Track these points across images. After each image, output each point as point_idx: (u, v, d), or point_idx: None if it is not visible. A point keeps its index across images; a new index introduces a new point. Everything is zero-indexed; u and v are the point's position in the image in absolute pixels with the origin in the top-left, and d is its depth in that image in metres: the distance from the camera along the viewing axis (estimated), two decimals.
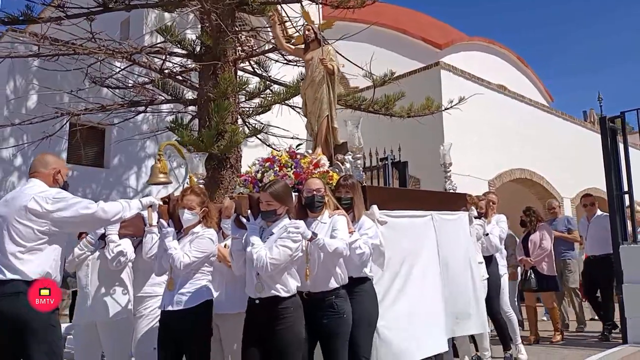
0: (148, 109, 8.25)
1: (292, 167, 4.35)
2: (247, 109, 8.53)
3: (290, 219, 3.18)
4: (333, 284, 3.24)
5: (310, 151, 4.76)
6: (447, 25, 20.83)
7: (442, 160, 5.30)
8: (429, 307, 4.08)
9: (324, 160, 4.45)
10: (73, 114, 7.14)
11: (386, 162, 7.69)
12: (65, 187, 3.23)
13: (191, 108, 8.32)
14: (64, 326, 4.45)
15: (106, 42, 6.47)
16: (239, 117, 7.59)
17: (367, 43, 13.02)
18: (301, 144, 6.02)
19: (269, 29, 8.14)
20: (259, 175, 4.48)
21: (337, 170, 4.44)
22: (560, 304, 7.56)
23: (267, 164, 4.49)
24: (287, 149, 4.64)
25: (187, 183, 4.32)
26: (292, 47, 5.26)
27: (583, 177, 13.25)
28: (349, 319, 3.25)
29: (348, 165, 4.45)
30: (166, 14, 9.75)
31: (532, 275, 6.40)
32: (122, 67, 7.63)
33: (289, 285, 3.07)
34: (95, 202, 3.17)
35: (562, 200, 12.89)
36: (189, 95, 8.06)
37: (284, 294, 3.03)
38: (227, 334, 3.60)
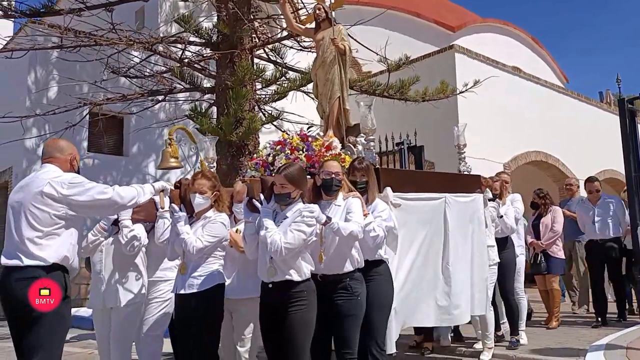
0: (166, 98, 8.35)
1: (304, 150, 4.32)
2: (263, 96, 8.62)
3: (304, 202, 3.14)
4: (348, 267, 3.21)
5: (321, 133, 4.70)
6: (460, 7, 20.65)
7: (456, 142, 5.21)
8: (435, 287, 4.11)
9: (336, 142, 4.41)
10: (95, 103, 7.30)
11: (402, 146, 7.77)
12: (78, 172, 3.20)
13: (207, 96, 8.44)
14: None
15: (127, 32, 6.55)
16: (255, 104, 7.68)
17: (380, 27, 12.94)
18: (311, 126, 6.00)
19: (282, 16, 8.19)
20: (270, 158, 4.45)
21: (349, 152, 4.39)
22: (571, 286, 7.61)
23: (279, 147, 4.45)
24: (299, 132, 4.59)
25: (198, 167, 4.24)
26: (302, 27, 5.13)
27: (599, 158, 13.18)
28: (363, 301, 3.21)
29: (360, 147, 4.39)
30: (180, 3, 9.86)
31: (543, 259, 6.33)
32: (143, 58, 7.74)
33: (303, 269, 3.05)
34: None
35: (579, 182, 12.85)
36: (206, 83, 8.16)
37: (297, 278, 3.01)
38: (239, 319, 3.62)
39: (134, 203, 3.20)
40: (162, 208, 3.59)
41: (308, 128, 5.25)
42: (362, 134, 4.35)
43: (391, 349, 3.60)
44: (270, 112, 8.84)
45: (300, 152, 4.30)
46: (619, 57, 71.76)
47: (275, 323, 3.03)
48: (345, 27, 7.56)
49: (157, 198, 3.56)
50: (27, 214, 2.87)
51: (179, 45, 7.35)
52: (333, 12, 4.75)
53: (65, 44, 6.73)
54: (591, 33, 76.43)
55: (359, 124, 4.53)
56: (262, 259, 3.09)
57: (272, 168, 4.36)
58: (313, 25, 4.88)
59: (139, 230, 3.81)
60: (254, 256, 3.21)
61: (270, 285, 3.05)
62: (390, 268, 3.59)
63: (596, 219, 6.54)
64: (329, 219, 3.08)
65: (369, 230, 3.21)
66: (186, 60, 7.31)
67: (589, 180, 7.00)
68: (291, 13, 5.15)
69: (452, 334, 5.70)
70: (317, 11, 4.71)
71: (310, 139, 4.41)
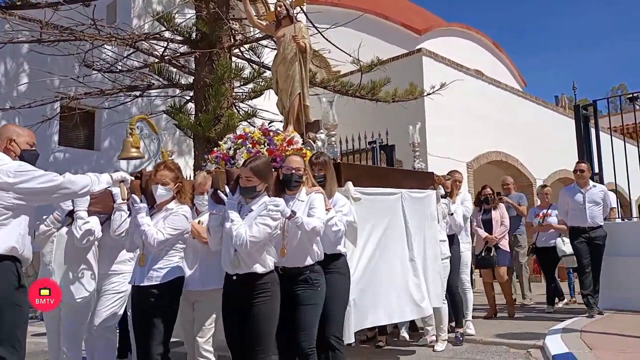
0: (143, 94, 8.39)
1: (266, 144, 4.31)
2: (240, 94, 8.78)
3: (269, 195, 3.15)
4: (309, 260, 3.24)
5: (280, 129, 4.72)
6: (425, 10, 21.23)
7: (411, 140, 5.37)
8: (394, 280, 4.18)
9: (298, 137, 4.43)
10: (73, 97, 7.29)
11: (374, 145, 8.09)
12: (34, 158, 3.07)
13: (179, 92, 8.49)
14: None
15: (107, 28, 6.59)
16: (233, 102, 7.84)
17: (350, 28, 13.25)
18: (271, 122, 5.96)
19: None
20: (231, 152, 4.43)
21: (308, 148, 4.40)
22: (511, 279, 7.83)
23: (240, 140, 4.45)
24: (260, 127, 4.62)
25: (159, 158, 4.20)
26: (263, 23, 5.13)
27: (555, 159, 13.91)
28: (323, 292, 3.26)
29: (320, 143, 4.41)
30: None
31: (495, 252, 6.59)
32: (124, 54, 7.76)
33: (266, 262, 3.06)
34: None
35: (535, 181, 13.54)
36: (184, 80, 8.26)
37: (261, 271, 3.03)
38: (200, 310, 3.57)
39: (86, 191, 3.06)
40: (123, 199, 3.44)
41: (269, 123, 5.31)
42: (323, 130, 4.39)
43: (349, 338, 3.69)
44: (245, 109, 9.00)
45: (262, 146, 4.32)
46: (574, 60, 74.86)
47: (240, 314, 3.05)
48: (322, 29, 7.86)
49: (116, 189, 3.46)
50: None
51: (160, 43, 7.41)
52: (294, 10, 4.76)
53: (44, 38, 6.69)
54: (547, 37, 79.41)
55: (318, 120, 4.65)
56: (227, 251, 3.07)
57: (232, 161, 4.38)
58: (274, 22, 4.89)
59: (94, 222, 3.68)
60: (217, 248, 3.20)
61: (234, 277, 3.06)
62: (349, 261, 3.66)
63: (587, 206, 6.13)
64: (293, 213, 3.09)
65: (330, 225, 3.26)
66: (167, 57, 7.39)
67: (581, 162, 6.46)
68: (250, 7, 5.00)
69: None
70: (279, 8, 4.70)
71: (271, 133, 4.45)
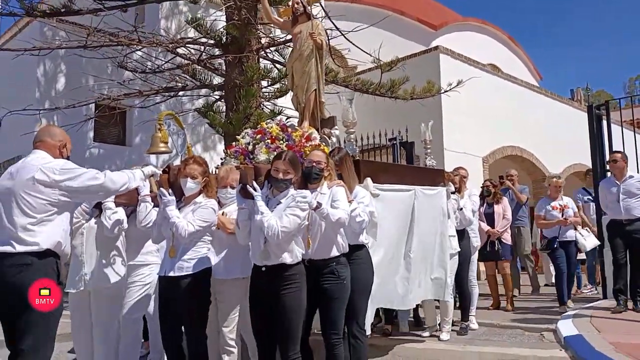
0: (178, 94, 8.86)
1: (285, 140, 4.38)
2: (266, 94, 9.21)
3: (294, 189, 3.22)
4: (334, 252, 3.31)
5: (295, 124, 4.77)
6: (441, 5, 21.42)
7: (423, 137, 5.53)
8: (396, 273, 4.32)
9: (315, 134, 4.48)
10: (113, 98, 7.76)
11: (395, 142, 8.44)
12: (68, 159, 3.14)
13: (204, 91, 8.90)
14: None
15: (148, 33, 7.05)
16: (261, 101, 8.28)
17: (366, 23, 13.56)
18: (289, 118, 5.84)
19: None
20: (250, 147, 4.52)
21: (323, 143, 4.45)
22: (527, 267, 8.06)
23: (258, 136, 4.53)
24: (278, 122, 4.69)
25: (185, 153, 4.31)
26: (280, 20, 5.12)
27: (570, 153, 14.13)
28: (348, 285, 3.33)
29: (334, 139, 4.48)
30: (181, 1, 10.32)
31: (500, 246, 6.71)
32: (168, 59, 8.24)
33: (295, 253, 3.12)
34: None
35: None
36: (215, 80, 8.71)
37: (290, 261, 3.09)
38: (223, 299, 3.62)
39: (125, 188, 3.19)
40: (151, 192, 3.58)
41: (287, 119, 5.34)
42: (340, 127, 4.46)
43: (367, 330, 3.76)
44: (269, 107, 9.43)
45: (281, 141, 4.38)
46: (591, 51, 74.09)
47: (268, 306, 3.11)
48: (343, 30, 8.21)
49: (145, 182, 3.58)
50: (19, 201, 2.82)
51: (195, 47, 7.85)
52: (310, 7, 4.78)
53: (90, 44, 7.18)
54: (564, 28, 78.60)
55: (333, 116, 4.78)
56: (256, 243, 3.14)
57: (252, 156, 4.46)
58: (291, 19, 4.90)
59: (121, 213, 3.79)
60: (245, 242, 3.26)
61: (263, 269, 3.12)
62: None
63: (622, 198, 5.82)
64: (319, 204, 3.16)
65: (354, 216, 3.31)
66: (202, 61, 7.85)
67: (616, 152, 6.23)
68: (267, 4, 5.02)
69: (411, 318, 5.91)
70: (295, 5, 4.70)
71: (289, 129, 4.51)
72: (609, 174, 6.67)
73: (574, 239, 6.85)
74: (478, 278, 6.46)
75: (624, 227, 5.76)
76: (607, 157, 6.51)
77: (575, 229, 6.87)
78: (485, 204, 6.97)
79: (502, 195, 7.15)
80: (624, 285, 5.71)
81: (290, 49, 9.30)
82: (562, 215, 6.78)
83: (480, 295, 6.16)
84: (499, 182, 7.26)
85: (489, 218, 6.91)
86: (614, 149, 6.69)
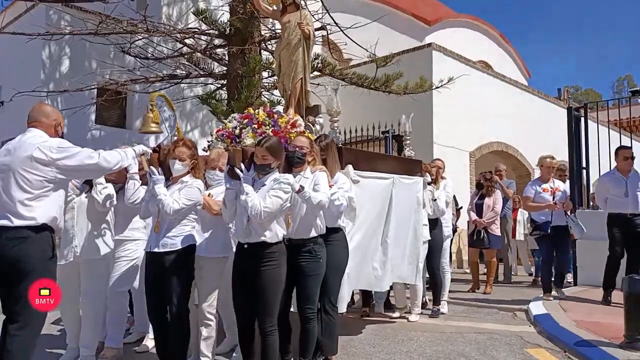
0: (182, 81, 9.19)
1: (271, 125, 4.54)
2: (266, 84, 9.57)
3: (279, 172, 3.38)
4: (313, 233, 3.49)
5: (281, 111, 4.90)
6: (435, 1, 21.74)
7: (403, 129, 5.67)
8: (373, 257, 4.53)
9: (300, 120, 4.65)
10: (120, 83, 8.07)
11: (387, 134, 8.87)
12: (62, 138, 3.24)
13: (202, 80, 9.22)
14: None
15: (156, 24, 7.37)
16: (261, 91, 8.65)
17: (361, 16, 13.86)
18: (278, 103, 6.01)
19: None
20: (237, 130, 4.67)
21: (308, 130, 4.63)
22: (506, 258, 8.65)
23: (245, 120, 4.68)
24: (264, 108, 4.82)
25: (175, 134, 4.50)
26: (269, 9, 5.20)
27: (553, 150, 14.54)
28: (324, 263, 3.52)
29: (318, 127, 4.65)
30: None
31: (486, 235, 7.20)
32: (173, 48, 8.56)
33: (276, 232, 3.28)
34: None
35: (534, 171, 14.33)
36: (216, 70, 9.05)
37: (270, 240, 3.25)
38: (203, 275, 3.72)
39: (119, 167, 3.32)
40: (141, 170, 3.75)
41: (272, 106, 5.45)
42: (323, 115, 4.59)
43: (342, 308, 3.99)
44: (268, 97, 9.79)
45: (267, 127, 4.53)
46: (581, 48, 74.98)
47: (248, 281, 3.27)
48: (344, 28, 8.56)
49: (135, 160, 3.71)
50: (17, 177, 2.91)
51: (202, 37, 8.17)
52: None
53: (101, 30, 7.47)
54: (554, 27, 79.38)
55: (317, 105, 4.93)
56: (240, 221, 3.32)
57: (238, 140, 4.63)
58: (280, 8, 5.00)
59: (111, 188, 3.94)
60: (231, 220, 3.49)
61: (245, 246, 3.29)
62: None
63: (629, 192, 5.80)
64: (302, 187, 3.34)
65: (334, 200, 3.50)
66: (207, 51, 8.18)
67: (624, 148, 6.14)
68: None
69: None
70: None
71: (276, 115, 4.65)
72: (584, 172, 7.21)
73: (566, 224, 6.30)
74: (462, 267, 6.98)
75: (630, 221, 5.72)
76: (583, 156, 7.04)
77: (566, 214, 6.31)
78: (479, 195, 7.41)
79: (495, 188, 7.57)
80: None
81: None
82: (553, 199, 6.30)
83: (464, 280, 6.69)
84: (491, 177, 7.64)
85: (479, 209, 7.37)
86: (589, 147, 7.23)
